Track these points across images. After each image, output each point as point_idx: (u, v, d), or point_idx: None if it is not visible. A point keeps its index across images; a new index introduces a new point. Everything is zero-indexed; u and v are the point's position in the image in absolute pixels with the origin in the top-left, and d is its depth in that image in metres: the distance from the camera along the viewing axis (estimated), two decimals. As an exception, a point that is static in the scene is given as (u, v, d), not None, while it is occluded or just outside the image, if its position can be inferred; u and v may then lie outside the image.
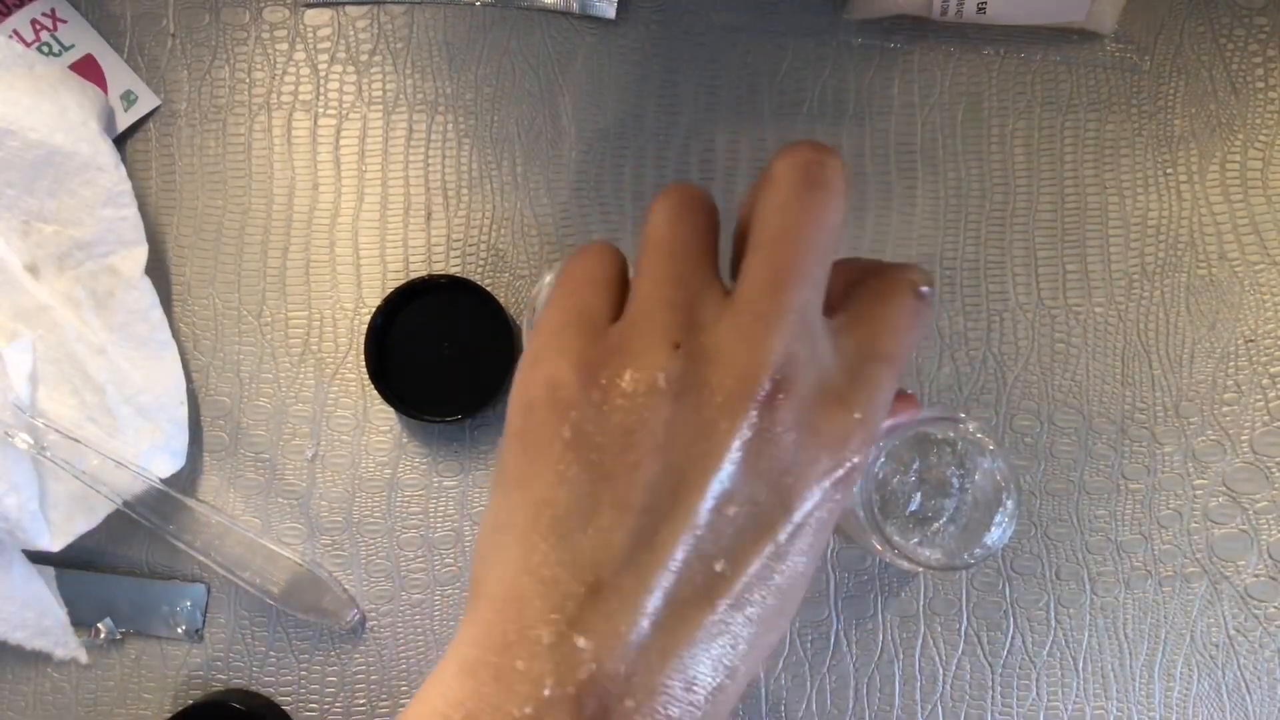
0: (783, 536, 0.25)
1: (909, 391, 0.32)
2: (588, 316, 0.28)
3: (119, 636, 0.48)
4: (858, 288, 0.30)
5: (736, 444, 0.25)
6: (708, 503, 0.25)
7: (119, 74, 0.50)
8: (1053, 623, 0.48)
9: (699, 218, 0.29)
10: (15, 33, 0.49)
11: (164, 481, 0.47)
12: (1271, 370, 0.48)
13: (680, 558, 0.25)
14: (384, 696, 0.48)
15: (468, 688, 0.25)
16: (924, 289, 0.29)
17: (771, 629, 0.26)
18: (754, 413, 0.25)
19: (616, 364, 0.26)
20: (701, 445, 0.25)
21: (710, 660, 0.25)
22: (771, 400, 0.25)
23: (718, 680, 0.25)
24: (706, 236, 0.29)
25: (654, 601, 0.24)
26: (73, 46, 0.50)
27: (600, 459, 0.25)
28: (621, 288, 0.29)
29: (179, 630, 0.48)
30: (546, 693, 0.24)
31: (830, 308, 0.29)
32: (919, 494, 0.42)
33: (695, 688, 0.25)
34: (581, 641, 0.24)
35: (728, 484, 0.25)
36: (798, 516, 0.26)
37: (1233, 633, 0.48)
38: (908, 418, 0.36)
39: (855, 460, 0.27)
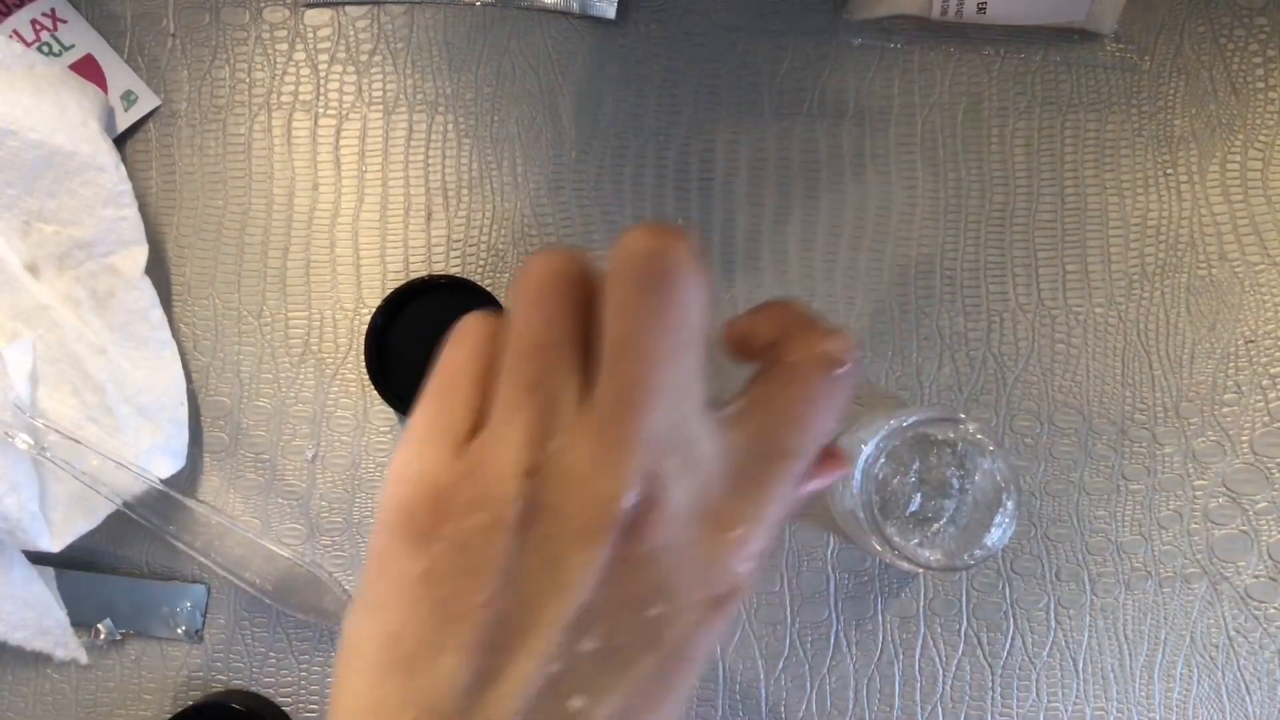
0: (649, 668, 0.24)
1: (837, 447, 0.29)
2: (450, 426, 0.25)
3: (119, 637, 0.48)
4: (770, 362, 0.27)
5: (590, 577, 0.23)
6: (557, 640, 0.23)
7: (119, 74, 0.50)
8: (1053, 624, 0.48)
9: (558, 300, 0.25)
10: (15, 33, 0.49)
11: (164, 482, 0.47)
12: (1272, 371, 0.48)
13: (525, 698, 0.23)
14: (384, 697, 0.48)
15: None
16: (840, 368, 0.26)
17: None
18: (611, 543, 0.23)
19: (468, 492, 0.24)
20: (551, 579, 0.23)
21: None
22: (634, 528, 0.23)
23: None
24: (566, 324, 0.25)
25: None
26: (73, 46, 0.50)
27: (448, 595, 0.24)
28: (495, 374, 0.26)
29: (179, 631, 0.48)
30: None
31: (754, 355, 0.27)
32: (919, 495, 0.42)
33: None
34: None
35: (581, 619, 0.23)
36: (666, 647, 0.24)
37: (1233, 633, 0.48)
38: (833, 478, 0.30)
39: (738, 579, 0.24)
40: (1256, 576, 0.48)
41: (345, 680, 0.25)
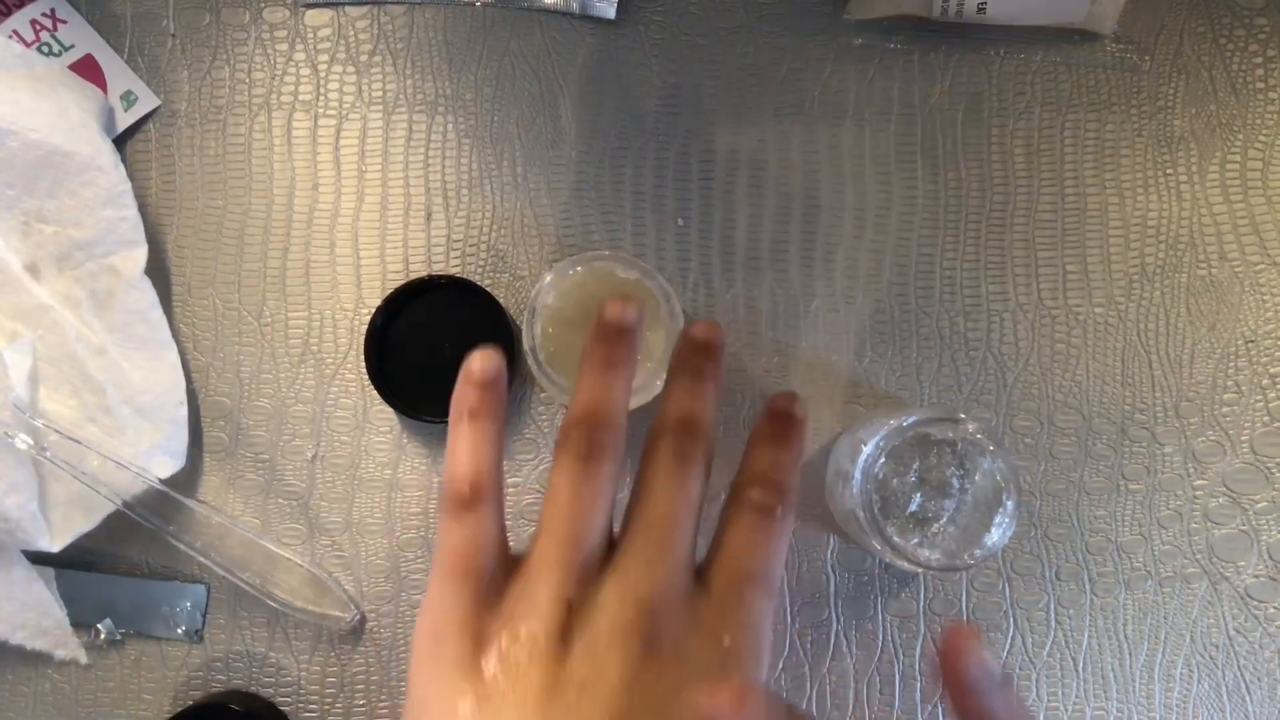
0: None
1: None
2: (477, 606, 0.33)
3: (119, 637, 0.48)
4: (729, 499, 0.36)
5: (626, 681, 0.30)
6: None
7: (119, 74, 0.50)
8: (1053, 623, 0.48)
9: (601, 480, 0.33)
10: (15, 33, 0.49)
11: (164, 482, 0.47)
12: (1271, 371, 0.48)
13: None
14: (384, 697, 0.48)
15: None
16: (767, 507, 0.35)
17: None
18: (636, 646, 0.31)
19: (512, 628, 0.32)
20: (600, 680, 0.30)
21: None
22: (653, 640, 0.31)
23: None
24: (606, 496, 0.33)
25: None
26: (73, 47, 0.50)
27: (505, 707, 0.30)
28: (502, 543, 0.34)
29: (179, 631, 0.48)
30: None
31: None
32: (919, 495, 0.42)
33: None
34: None
35: (621, 716, 0.30)
36: None
37: (1233, 633, 0.48)
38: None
39: (738, 684, 0.31)
40: (1256, 576, 0.48)
41: None
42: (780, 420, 0.38)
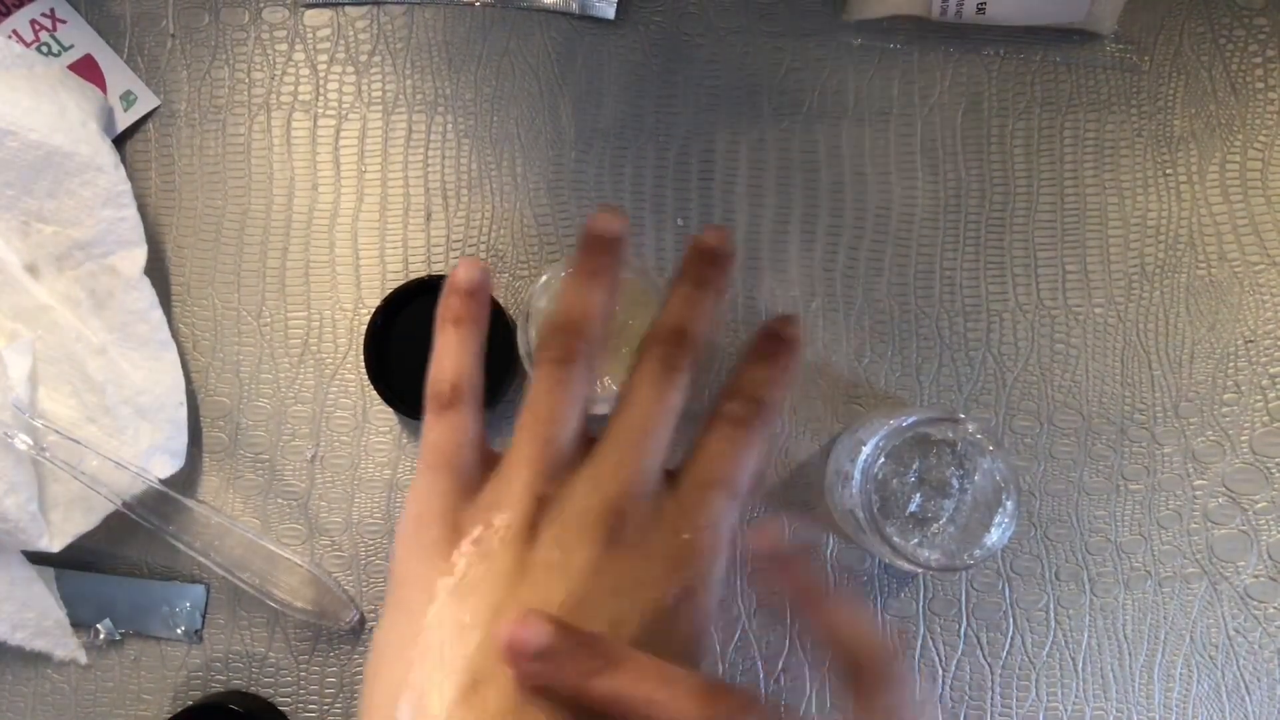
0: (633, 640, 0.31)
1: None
2: (456, 497, 0.34)
3: (118, 637, 0.48)
4: (707, 414, 0.36)
5: (589, 566, 0.32)
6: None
7: (118, 74, 0.50)
8: (1052, 623, 0.48)
9: (573, 384, 0.35)
10: (15, 33, 0.49)
11: (163, 482, 0.47)
12: (1271, 371, 0.48)
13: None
14: (384, 697, 0.48)
15: None
16: (741, 419, 0.36)
17: None
18: (601, 537, 0.32)
19: (487, 517, 0.33)
20: (565, 565, 0.32)
21: None
22: (616, 533, 0.32)
23: None
24: (579, 399, 0.35)
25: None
26: (72, 47, 0.50)
27: (480, 599, 0.32)
28: (481, 440, 0.36)
29: (178, 631, 0.48)
30: None
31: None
32: (919, 495, 0.42)
33: None
34: None
35: (583, 597, 0.32)
36: (645, 626, 0.32)
37: (1232, 633, 0.48)
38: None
39: (691, 574, 0.33)
40: (1256, 576, 0.48)
41: (375, 678, 0.32)
42: (769, 340, 0.39)
